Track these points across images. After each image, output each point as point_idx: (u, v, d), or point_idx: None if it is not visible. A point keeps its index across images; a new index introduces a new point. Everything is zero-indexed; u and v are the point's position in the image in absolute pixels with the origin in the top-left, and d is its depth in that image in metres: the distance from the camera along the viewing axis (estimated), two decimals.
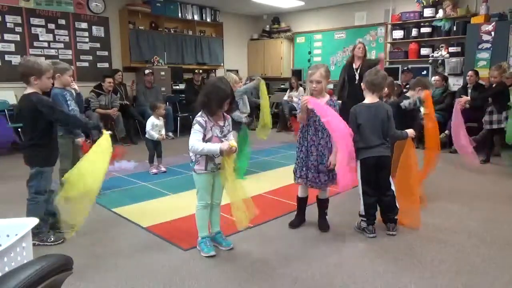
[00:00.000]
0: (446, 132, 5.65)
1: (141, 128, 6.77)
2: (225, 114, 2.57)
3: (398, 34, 7.78)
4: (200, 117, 2.45)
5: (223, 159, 2.43)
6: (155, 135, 4.67)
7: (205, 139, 2.44)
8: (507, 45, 6.12)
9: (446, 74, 6.96)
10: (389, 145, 2.95)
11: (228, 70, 8.26)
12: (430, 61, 7.37)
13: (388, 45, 8.06)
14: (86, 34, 7.23)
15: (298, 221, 3.09)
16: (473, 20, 6.63)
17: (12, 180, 4.34)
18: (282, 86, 9.44)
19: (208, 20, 8.95)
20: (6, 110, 5.94)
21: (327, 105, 2.74)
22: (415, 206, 3.02)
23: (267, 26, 10.08)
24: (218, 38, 9.22)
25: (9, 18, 6.31)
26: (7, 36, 6.32)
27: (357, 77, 5.11)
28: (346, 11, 8.65)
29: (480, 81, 6.10)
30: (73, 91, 3.67)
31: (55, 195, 2.77)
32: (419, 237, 2.85)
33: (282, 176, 4.35)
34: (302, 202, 3.09)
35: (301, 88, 8.17)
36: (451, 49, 7.11)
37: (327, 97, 2.87)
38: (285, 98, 8.31)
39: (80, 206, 2.56)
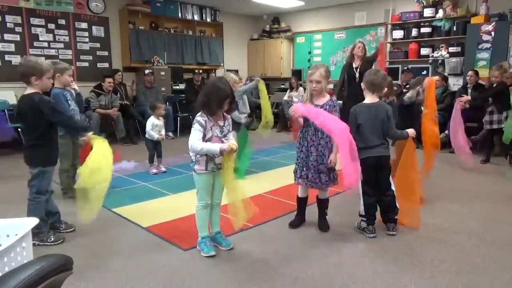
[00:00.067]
0: (446, 132, 5.65)
1: (141, 128, 6.77)
2: (225, 114, 2.57)
3: (398, 34, 7.78)
4: (200, 117, 2.45)
5: (223, 159, 2.43)
6: (155, 135, 4.67)
7: (205, 139, 2.44)
8: (507, 45, 6.12)
9: (446, 74, 6.96)
10: (389, 145, 2.95)
11: (228, 70, 8.25)
12: (430, 61, 7.37)
13: (388, 45, 8.06)
14: (86, 34, 7.23)
15: (298, 221, 3.09)
16: (473, 20, 6.63)
17: (12, 180, 4.34)
18: (282, 86, 9.44)
19: (208, 20, 8.95)
20: (6, 110, 5.94)
21: (315, 108, 2.74)
22: (415, 206, 3.02)
23: (267, 26, 10.08)
24: (218, 38, 9.22)
25: (9, 18, 6.32)
26: (7, 36, 6.32)
27: (357, 76, 5.10)
28: (346, 11, 8.65)
29: (480, 81, 6.10)
30: (73, 91, 3.67)
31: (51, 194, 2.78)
32: (419, 237, 2.85)
33: (282, 176, 4.35)
34: (302, 202, 3.09)
35: (301, 88, 8.16)
36: (451, 49, 7.11)
37: (327, 97, 2.87)
38: (285, 98, 8.30)
39: (96, 194, 2.55)
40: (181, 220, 3.20)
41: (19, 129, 5.44)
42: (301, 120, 2.80)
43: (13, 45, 6.39)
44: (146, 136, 4.75)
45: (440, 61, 7.24)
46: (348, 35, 8.67)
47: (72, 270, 1.12)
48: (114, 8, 7.57)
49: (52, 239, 2.75)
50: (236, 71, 8.19)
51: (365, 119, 2.84)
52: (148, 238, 2.89)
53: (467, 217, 3.27)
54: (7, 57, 6.34)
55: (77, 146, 3.59)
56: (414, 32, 7.57)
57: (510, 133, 4.41)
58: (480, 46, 6.39)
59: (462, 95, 5.79)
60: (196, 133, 2.41)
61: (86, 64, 7.27)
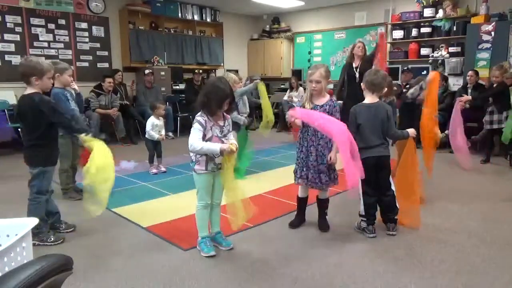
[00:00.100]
0: (446, 132, 5.64)
1: (141, 128, 6.77)
2: (225, 114, 2.57)
3: (398, 34, 7.79)
4: (200, 117, 2.45)
5: (223, 159, 2.43)
6: (155, 135, 4.67)
7: (205, 139, 2.43)
8: (507, 45, 6.12)
9: (446, 74, 6.96)
10: (388, 145, 2.95)
11: (228, 70, 8.26)
12: (430, 61, 7.37)
13: (388, 45, 8.06)
14: (86, 34, 7.23)
15: (298, 221, 3.08)
16: (473, 20, 6.63)
17: (12, 180, 4.34)
18: (282, 86, 9.44)
19: (208, 20, 8.95)
20: (6, 110, 5.95)
21: (312, 111, 2.73)
22: (415, 206, 3.02)
23: (267, 26, 10.08)
24: (218, 38, 9.22)
25: (9, 18, 6.31)
26: (7, 36, 6.32)
27: (357, 76, 5.10)
28: (346, 11, 8.65)
29: (480, 81, 6.10)
30: (72, 91, 3.67)
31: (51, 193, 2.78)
32: (419, 237, 2.85)
33: (282, 176, 4.35)
34: (302, 202, 3.08)
35: (301, 88, 8.16)
36: (451, 49, 7.11)
37: (327, 97, 2.87)
38: (285, 98, 8.31)
39: (103, 189, 2.55)
40: (181, 220, 3.20)
41: (19, 129, 5.45)
42: (299, 122, 2.80)
43: (13, 45, 6.39)
44: (146, 136, 4.75)
45: (440, 61, 7.24)
46: (348, 35, 8.67)
47: (72, 270, 1.12)
48: (114, 8, 7.57)
49: (52, 239, 2.75)
50: (236, 71, 8.19)
51: (365, 119, 2.83)
52: (148, 238, 2.89)
53: (467, 217, 3.28)
54: (7, 57, 6.34)
55: (77, 146, 3.59)
56: (414, 32, 7.57)
57: (509, 133, 4.40)
58: (480, 46, 6.40)
59: (463, 94, 5.79)
60: (196, 132, 2.41)
61: (86, 64, 7.27)
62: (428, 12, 7.38)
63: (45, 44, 6.74)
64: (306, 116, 2.68)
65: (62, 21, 6.90)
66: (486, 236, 2.88)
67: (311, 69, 2.81)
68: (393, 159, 3.04)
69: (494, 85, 5.26)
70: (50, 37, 6.79)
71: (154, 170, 4.76)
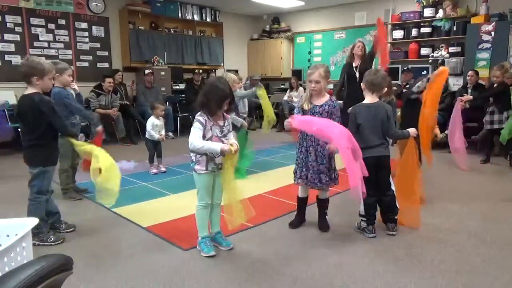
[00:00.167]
0: (446, 132, 5.64)
1: (141, 128, 6.77)
2: (225, 114, 2.57)
3: (398, 34, 7.79)
4: (200, 116, 2.45)
5: (224, 159, 2.43)
6: (155, 135, 4.67)
7: (205, 139, 2.43)
8: (507, 45, 6.12)
9: None
10: (388, 145, 2.95)
11: (228, 70, 8.26)
12: (430, 61, 7.36)
13: (388, 45, 8.05)
14: (86, 34, 7.23)
15: (298, 221, 3.08)
16: (473, 20, 6.63)
17: (12, 180, 4.34)
18: (282, 86, 9.44)
19: (208, 20, 8.95)
20: (6, 110, 5.94)
21: (309, 117, 2.72)
22: (415, 206, 3.02)
23: (267, 26, 10.08)
24: (218, 38, 9.23)
25: (9, 18, 6.32)
26: (7, 36, 6.32)
27: (357, 76, 5.09)
28: (346, 11, 8.65)
29: (480, 81, 6.10)
30: (72, 91, 3.67)
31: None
32: (419, 237, 2.85)
33: (282, 176, 4.35)
34: (302, 202, 3.08)
35: (301, 88, 8.16)
36: (451, 49, 7.11)
37: (327, 96, 2.87)
38: (285, 98, 8.30)
39: (114, 182, 2.62)
40: (181, 220, 3.19)
41: (19, 129, 5.45)
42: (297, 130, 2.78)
43: (13, 45, 6.39)
44: (146, 136, 4.75)
45: (440, 61, 7.23)
46: (348, 35, 8.67)
47: (72, 270, 1.12)
48: (114, 8, 7.57)
49: (52, 239, 2.75)
50: (236, 71, 8.20)
51: (364, 119, 2.83)
52: (148, 238, 2.89)
53: (467, 217, 3.27)
54: (7, 57, 6.34)
55: None
56: (414, 32, 7.57)
57: (506, 134, 4.39)
58: (480, 46, 6.39)
59: (464, 94, 5.79)
60: (196, 131, 2.41)
61: (86, 64, 7.27)
62: (428, 12, 7.38)
63: (45, 44, 6.75)
64: (303, 124, 2.65)
65: (62, 21, 6.90)
66: (486, 236, 2.88)
67: (311, 69, 2.81)
68: (393, 159, 3.04)
69: (495, 85, 5.26)
70: (50, 37, 6.79)
71: (154, 170, 4.76)
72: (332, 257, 2.55)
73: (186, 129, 7.45)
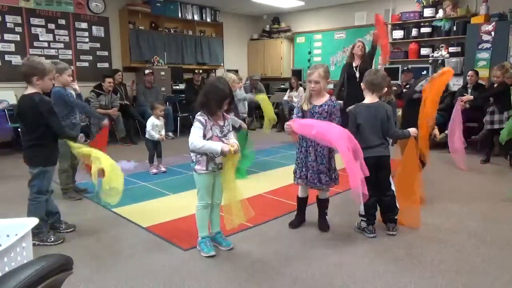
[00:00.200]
0: (446, 132, 5.64)
1: (141, 128, 6.77)
2: (225, 114, 2.57)
3: (398, 34, 7.79)
4: (200, 116, 2.45)
5: (225, 159, 2.43)
6: (155, 135, 4.67)
7: (205, 139, 2.43)
8: (507, 45, 6.12)
9: None
10: (388, 145, 2.94)
11: (228, 70, 8.26)
12: (430, 61, 7.37)
13: (388, 45, 8.05)
14: (86, 34, 7.23)
15: (298, 221, 3.08)
16: (473, 20, 6.63)
17: (12, 180, 4.34)
18: (282, 86, 9.44)
19: (208, 20, 8.95)
20: (6, 110, 5.94)
21: (308, 120, 2.71)
22: (415, 206, 3.02)
23: (267, 26, 10.08)
24: (218, 38, 9.23)
25: (9, 18, 6.32)
26: (7, 36, 6.32)
27: (357, 76, 5.09)
28: (346, 11, 8.65)
29: (480, 81, 6.10)
30: (72, 91, 3.67)
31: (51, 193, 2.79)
32: (419, 237, 2.85)
33: (282, 176, 4.35)
34: (302, 202, 3.08)
35: (301, 88, 8.16)
36: (451, 49, 7.11)
37: (327, 96, 2.86)
38: (285, 98, 8.30)
39: (116, 183, 2.62)
40: (181, 220, 3.19)
41: (19, 129, 5.45)
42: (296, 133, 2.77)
43: (13, 45, 6.39)
44: (146, 136, 4.75)
45: (440, 61, 7.23)
46: (348, 35, 8.67)
47: (72, 270, 1.12)
48: (114, 8, 7.57)
49: (52, 239, 2.75)
50: (236, 71, 8.20)
51: (364, 119, 2.83)
52: (148, 238, 2.89)
53: (467, 217, 3.27)
54: (7, 57, 6.34)
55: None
56: (414, 32, 7.57)
57: (505, 134, 4.38)
58: (480, 46, 6.40)
59: (464, 94, 5.79)
60: (196, 130, 2.41)
61: (86, 64, 7.27)
62: (428, 12, 7.38)
63: (45, 44, 6.75)
64: (302, 128, 2.64)
65: (62, 21, 6.90)
66: (486, 236, 2.88)
67: (310, 70, 2.81)
68: (393, 159, 3.04)
69: (495, 85, 5.26)
70: (50, 37, 6.79)
71: (154, 170, 4.76)
72: (332, 257, 2.55)
73: (186, 129, 7.45)
